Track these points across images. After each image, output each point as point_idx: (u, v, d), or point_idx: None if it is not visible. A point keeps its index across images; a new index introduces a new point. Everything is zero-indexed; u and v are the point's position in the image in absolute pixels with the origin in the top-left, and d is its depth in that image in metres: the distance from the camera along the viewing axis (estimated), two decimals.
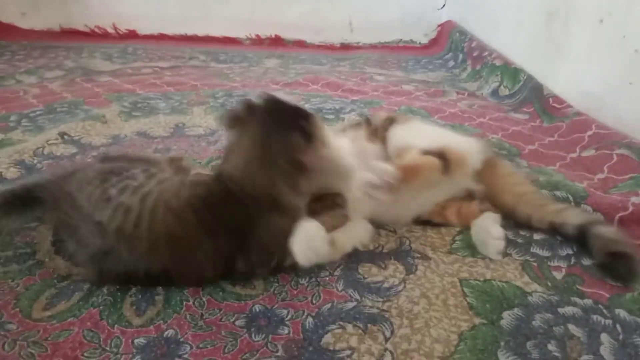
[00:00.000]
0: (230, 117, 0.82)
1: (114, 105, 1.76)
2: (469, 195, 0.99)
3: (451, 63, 2.69)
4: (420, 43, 3.33)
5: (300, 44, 3.32)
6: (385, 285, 0.81)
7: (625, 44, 1.31)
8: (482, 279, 0.83)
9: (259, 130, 0.79)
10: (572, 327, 0.71)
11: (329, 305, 0.76)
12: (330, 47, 3.28)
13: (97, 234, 0.76)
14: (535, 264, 0.87)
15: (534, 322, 0.72)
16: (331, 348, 0.67)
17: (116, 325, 0.71)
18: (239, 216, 0.77)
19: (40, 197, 0.89)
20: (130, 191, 0.78)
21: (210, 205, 0.77)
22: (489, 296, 0.78)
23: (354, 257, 0.88)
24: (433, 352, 0.67)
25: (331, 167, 0.84)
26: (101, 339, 0.68)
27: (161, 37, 3.34)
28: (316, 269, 0.84)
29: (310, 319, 0.73)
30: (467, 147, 0.99)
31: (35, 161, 1.26)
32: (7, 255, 0.87)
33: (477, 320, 0.73)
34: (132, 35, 3.35)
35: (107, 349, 0.67)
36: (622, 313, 0.74)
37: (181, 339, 0.69)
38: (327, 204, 0.87)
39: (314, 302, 0.77)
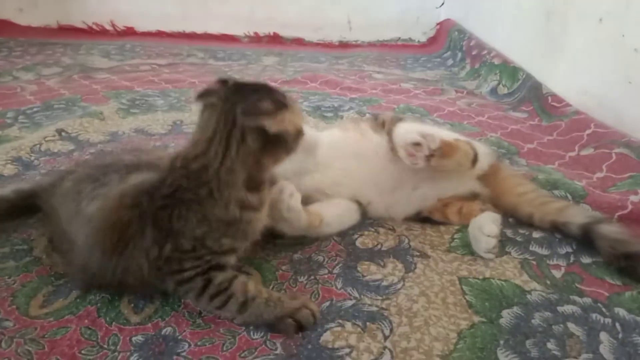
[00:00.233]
0: (202, 92, 0.72)
1: (111, 102, 1.75)
2: (472, 197, 0.99)
3: (450, 61, 2.68)
4: (419, 41, 3.33)
5: (299, 41, 3.32)
6: (384, 283, 0.81)
7: (624, 42, 1.31)
8: (481, 277, 0.83)
9: (226, 100, 0.70)
10: (571, 326, 0.71)
11: (328, 304, 0.75)
12: (328, 45, 3.27)
13: (74, 251, 0.75)
14: (534, 262, 0.87)
15: (533, 321, 0.72)
16: (330, 346, 0.67)
17: (114, 323, 0.70)
18: (173, 205, 0.70)
19: (34, 204, 0.89)
20: (97, 200, 0.74)
21: (150, 196, 0.71)
22: (488, 294, 0.78)
23: (353, 255, 0.88)
24: (432, 350, 0.67)
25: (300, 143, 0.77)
26: (99, 337, 0.68)
27: (159, 34, 3.33)
28: (315, 267, 0.84)
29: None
30: (481, 149, 1.00)
31: (33, 158, 1.26)
32: (4, 251, 0.86)
33: (476, 319, 0.73)
34: (130, 32, 3.34)
35: (105, 346, 0.66)
36: (621, 312, 0.74)
37: (179, 337, 0.68)
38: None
39: (313, 300, 0.76)
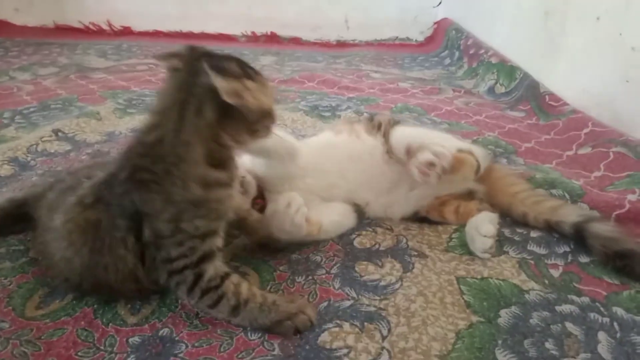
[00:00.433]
0: (166, 54, 0.66)
1: (108, 102, 1.74)
2: (469, 195, 0.99)
3: (447, 61, 2.68)
4: (416, 40, 3.33)
5: (296, 41, 3.31)
6: (382, 283, 0.81)
7: (622, 41, 1.31)
8: (479, 277, 0.82)
9: (189, 65, 0.64)
10: (569, 325, 0.71)
11: (325, 304, 0.75)
12: (326, 45, 3.27)
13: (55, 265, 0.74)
14: (532, 261, 0.87)
15: (531, 320, 0.72)
16: (328, 347, 0.67)
17: (110, 324, 0.70)
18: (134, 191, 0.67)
19: (27, 212, 0.87)
20: (60, 213, 0.72)
21: (109, 185, 0.69)
22: (486, 294, 0.78)
23: (351, 255, 0.88)
24: (430, 350, 0.67)
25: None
26: (95, 338, 0.68)
27: (156, 34, 3.32)
28: (313, 267, 0.84)
29: None
30: (479, 153, 1.00)
31: (29, 158, 1.25)
32: (0, 252, 0.86)
33: (474, 319, 0.73)
34: (126, 31, 3.33)
35: (102, 348, 0.66)
36: (619, 311, 0.74)
37: (176, 338, 0.68)
38: None
39: (311, 300, 0.76)
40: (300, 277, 0.81)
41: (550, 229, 0.94)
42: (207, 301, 0.68)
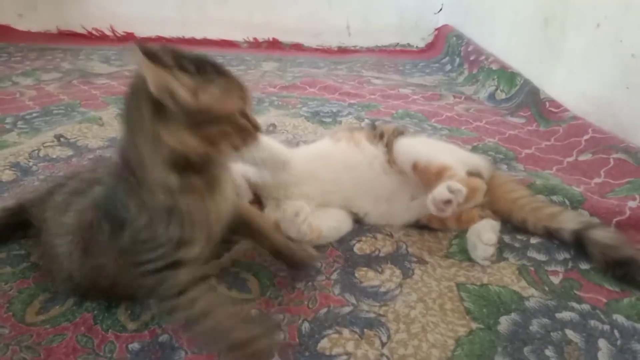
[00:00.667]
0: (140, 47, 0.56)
1: (111, 107, 1.75)
2: None
3: (448, 67, 2.69)
4: (417, 47, 3.34)
5: (298, 47, 3.33)
6: (382, 289, 0.81)
7: (622, 48, 1.31)
8: (479, 283, 0.82)
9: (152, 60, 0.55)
10: (569, 333, 0.71)
11: (325, 310, 0.75)
12: (327, 51, 3.28)
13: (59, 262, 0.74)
14: (532, 268, 0.87)
15: (531, 327, 0.72)
16: (327, 353, 0.67)
17: (110, 330, 0.70)
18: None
19: (27, 219, 0.88)
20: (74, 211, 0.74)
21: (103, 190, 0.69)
22: (486, 301, 0.78)
23: (351, 261, 0.88)
24: (430, 357, 0.67)
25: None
26: (95, 344, 0.68)
27: (159, 40, 3.33)
28: (313, 273, 0.84)
29: (306, 324, 0.72)
30: (482, 164, 1.02)
31: (31, 163, 1.26)
32: (1, 257, 0.86)
33: (474, 325, 0.72)
34: (129, 37, 3.34)
35: (101, 354, 0.66)
36: (619, 318, 0.74)
37: (176, 345, 0.68)
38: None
39: (311, 306, 0.76)
40: (300, 283, 0.81)
41: (550, 235, 0.94)
42: (163, 308, 0.65)
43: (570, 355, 0.67)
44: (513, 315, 0.74)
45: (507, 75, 1.99)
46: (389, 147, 1.02)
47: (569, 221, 0.92)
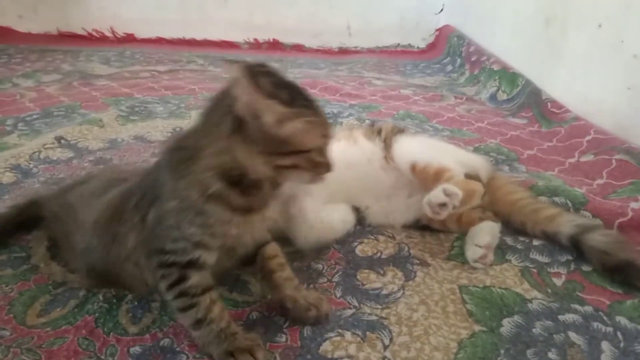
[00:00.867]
0: (233, 61, 0.62)
1: (111, 109, 1.75)
2: None
3: (449, 67, 2.69)
4: (418, 47, 3.33)
5: (299, 48, 3.32)
6: (384, 292, 0.80)
7: (624, 48, 1.31)
8: (481, 285, 0.82)
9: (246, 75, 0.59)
10: (572, 335, 0.71)
11: None
12: (328, 52, 3.28)
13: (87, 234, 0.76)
14: (534, 270, 0.86)
15: (534, 330, 0.72)
16: (329, 356, 0.67)
17: (112, 333, 0.70)
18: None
19: (35, 214, 0.90)
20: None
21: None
22: (489, 303, 0.78)
23: (352, 263, 0.88)
24: None
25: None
26: (96, 347, 0.67)
27: (159, 41, 3.33)
28: (315, 275, 0.83)
29: (308, 327, 0.72)
30: (481, 165, 1.02)
31: (32, 165, 1.25)
32: (2, 259, 0.86)
33: (476, 328, 0.72)
34: (129, 38, 3.34)
35: (102, 357, 0.66)
36: (622, 320, 0.74)
37: (177, 349, 0.67)
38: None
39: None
40: (302, 285, 0.81)
41: (549, 239, 0.94)
42: (179, 303, 0.66)
43: (573, 358, 0.67)
44: (516, 318, 0.74)
45: (509, 76, 1.99)
46: (386, 143, 1.02)
47: (565, 225, 0.91)
